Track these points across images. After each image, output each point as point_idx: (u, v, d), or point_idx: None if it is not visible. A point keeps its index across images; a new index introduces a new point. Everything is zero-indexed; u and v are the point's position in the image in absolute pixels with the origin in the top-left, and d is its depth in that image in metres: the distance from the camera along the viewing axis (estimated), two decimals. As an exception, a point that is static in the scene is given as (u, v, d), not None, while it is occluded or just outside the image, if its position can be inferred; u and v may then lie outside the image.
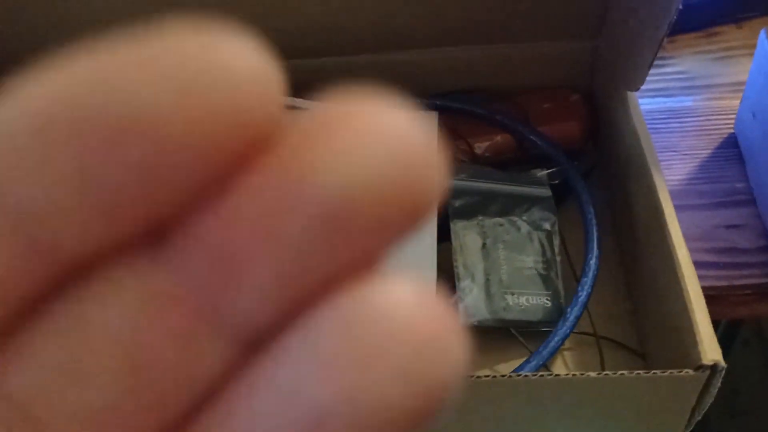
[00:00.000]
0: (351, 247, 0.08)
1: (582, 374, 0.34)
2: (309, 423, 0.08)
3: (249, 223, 0.08)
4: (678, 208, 0.38)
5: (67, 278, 0.08)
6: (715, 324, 0.34)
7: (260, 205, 0.08)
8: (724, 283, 0.45)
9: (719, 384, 0.34)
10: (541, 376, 0.34)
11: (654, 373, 0.33)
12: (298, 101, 0.44)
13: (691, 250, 0.36)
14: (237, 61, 0.08)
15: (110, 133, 0.07)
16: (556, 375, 0.34)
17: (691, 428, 0.37)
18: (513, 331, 0.42)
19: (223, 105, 0.08)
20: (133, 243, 0.08)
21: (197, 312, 0.08)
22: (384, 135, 0.08)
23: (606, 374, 0.34)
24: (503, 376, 0.34)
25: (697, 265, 0.36)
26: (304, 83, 0.49)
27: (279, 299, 0.08)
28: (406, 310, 0.08)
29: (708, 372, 0.33)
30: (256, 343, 0.09)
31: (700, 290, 0.35)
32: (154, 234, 0.08)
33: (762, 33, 0.48)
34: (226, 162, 0.08)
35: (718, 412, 0.34)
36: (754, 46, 0.49)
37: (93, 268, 0.08)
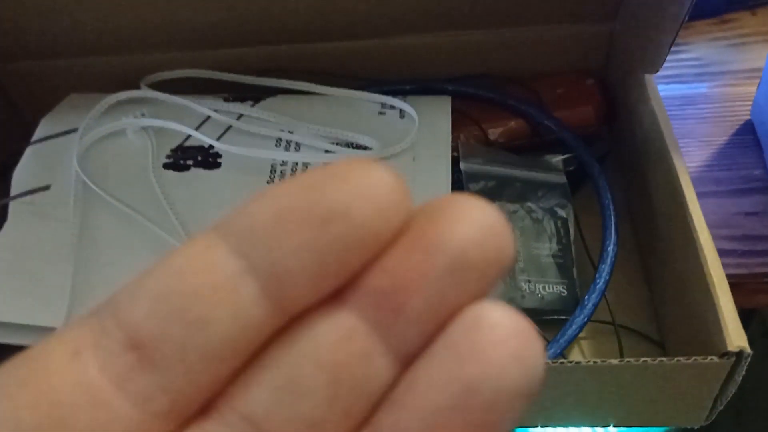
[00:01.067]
0: (467, 284, 0.12)
1: (603, 361, 0.33)
2: (461, 394, 0.11)
3: (403, 271, 0.12)
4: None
5: (287, 322, 0.12)
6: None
7: (410, 258, 0.12)
8: (742, 270, 0.44)
9: (744, 372, 0.33)
10: (561, 363, 0.33)
11: (677, 360, 0.32)
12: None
13: (709, 238, 0.35)
14: (384, 180, 0.12)
15: (320, 218, 0.11)
16: (577, 362, 0.33)
17: (713, 419, 0.36)
18: (529, 320, 0.41)
19: (380, 204, 0.12)
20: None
21: (372, 338, 0.12)
22: (475, 215, 0.12)
23: (628, 361, 0.33)
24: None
25: (715, 252, 0.35)
26: (315, 67, 0.48)
27: (427, 323, 0.12)
28: (509, 319, 0.12)
29: (733, 359, 0.32)
30: (411, 359, 0.12)
31: (724, 275, 0.34)
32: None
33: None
34: (382, 233, 0.12)
35: (724, 411, 0.33)
36: (768, 32, 0.48)
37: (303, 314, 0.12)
